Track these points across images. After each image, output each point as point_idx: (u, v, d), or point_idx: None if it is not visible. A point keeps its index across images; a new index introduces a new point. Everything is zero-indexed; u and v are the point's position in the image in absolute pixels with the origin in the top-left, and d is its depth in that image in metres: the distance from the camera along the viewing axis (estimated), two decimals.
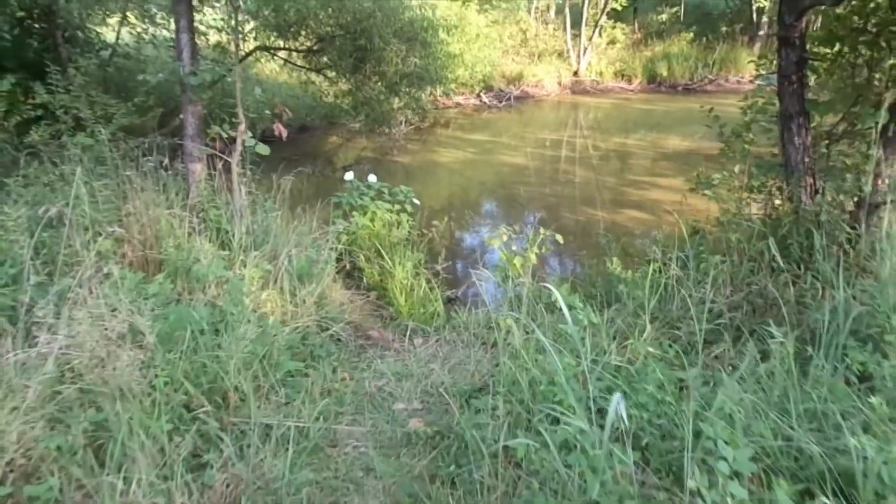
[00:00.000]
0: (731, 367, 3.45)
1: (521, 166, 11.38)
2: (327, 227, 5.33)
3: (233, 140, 4.57)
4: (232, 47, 9.80)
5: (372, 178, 6.14)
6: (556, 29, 20.45)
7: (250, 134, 4.63)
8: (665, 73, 18.90)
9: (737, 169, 4.47)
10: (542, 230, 4.55)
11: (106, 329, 2.77)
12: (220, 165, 4.81)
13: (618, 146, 13.03)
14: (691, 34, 19.83)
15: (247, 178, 4.78)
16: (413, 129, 13.01)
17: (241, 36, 9.74)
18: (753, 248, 4.18)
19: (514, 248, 4.62)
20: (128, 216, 4.06)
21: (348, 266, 5.24)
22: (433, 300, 4.67)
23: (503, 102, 17.27)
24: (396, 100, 10.95)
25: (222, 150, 4.79)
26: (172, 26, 7.28)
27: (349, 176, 5.98)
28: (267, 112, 5.03)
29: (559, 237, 4.55)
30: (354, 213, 5.74)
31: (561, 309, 3.99)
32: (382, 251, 5.27)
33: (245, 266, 3.88)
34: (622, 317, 4.18)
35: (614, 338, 3.67)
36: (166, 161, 4.83)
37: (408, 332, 4.34)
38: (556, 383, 2.73)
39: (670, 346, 3.50)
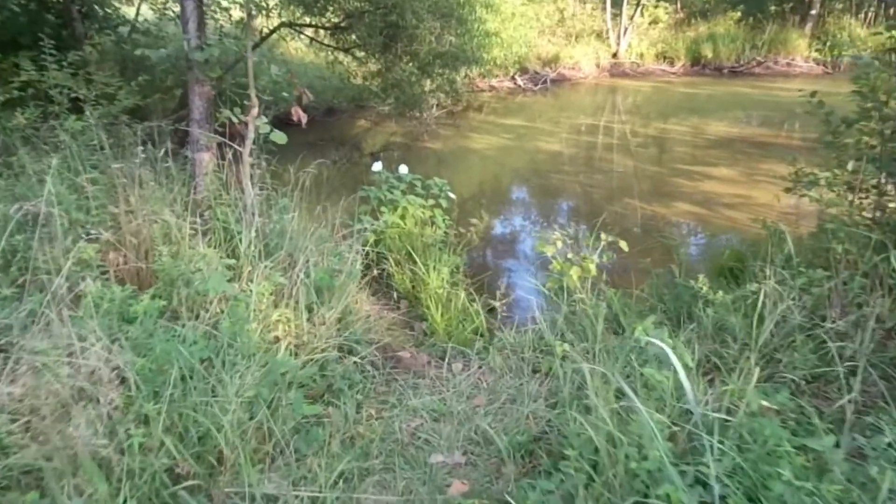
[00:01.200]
0: (856, 416, 2.76)
1: (558, 153, 10.63)
2: (353, 226, 4.71)
3: (245, 126, 3.94)
4: (254, 22, 9.21)
5: (403, 168, 5.48)
6: (595, 8, 19.47)
7: (265, 119, 3.99)
8: (710, 55, 17.87)
9: (850, 166, 3.70)
10: (602, 236, 3.85)
11: (70, 370, 2.16)
12: (231, 155, 4.17)
13: (661, 132, 12.18)
14: (738, 13, 18.72)
15: (261, 170, 4.15)
16: (445, 113, 12.29)
17: (265, 11, 9.12)
18: (866, 260, 3.44)
19: (568, 254, 3.93)
20: (120, 216, 3.46)
21: (376, 272, 4.60)
22: (474, 315, 4.01)
23: (539, 86, 16.45)
24: (429, 82, 10.24)
25: (235, 136, 4.16)
26: None
27: (377, 166, 5.33)
28: (285, 94, 4.37)
29: (623, 243, 3.85)
30: (383, 209, 5.09)
31: (622, 328, 3.32)
32: (414, 254, 4.62)
33: (254, 279, 3.25)
34: (704, 343, 3.49)
35: (705, 374, 2.99)
36: (168, 149, 4.23)
37: (446, 356, 3.70)
38: (649, 458, 2.06)
39: (776, 390, 2.80)
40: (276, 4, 9.31)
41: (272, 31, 8.83)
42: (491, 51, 12.21)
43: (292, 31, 9.82)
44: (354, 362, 3.30)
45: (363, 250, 4.44)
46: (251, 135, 3.93)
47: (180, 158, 4.38)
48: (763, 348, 3.33)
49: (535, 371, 3.51)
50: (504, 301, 4.19)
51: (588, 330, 3.76)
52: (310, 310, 3.37)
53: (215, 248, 3.56)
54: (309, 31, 9.94)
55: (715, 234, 6.63)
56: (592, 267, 3.77)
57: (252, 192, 3.91)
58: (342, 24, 9.17)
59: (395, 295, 4.55)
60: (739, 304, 3.28)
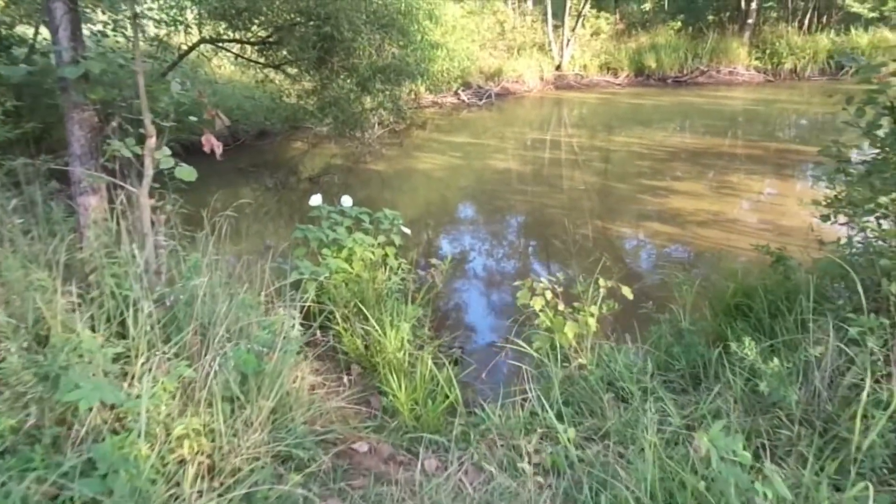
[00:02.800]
0: None
1: (513, 171, 9.96)
2: (288, 277, 3.85)
3: (140, 160, 3.05)
4: (171, 38, 8.22)
5: (346, 200, 4.63)
6: (535, 20, 19.06)
7: (168, 151, 3.10)
8: (653, 66, 17.65)
9: None
10: (601, 281, 3.10)
11: None
12: (125, 197, 3.25)
13: (616, 145, 11.69)
14: (678, 23, 18.63)
15: (166, 215, 3.26)
16: (388, 132, 11.50)
17: (183, 27, 8.16)
18: None
19: (559, 305, 3.17)
20: None
21: (319, 334, 3.74)
22: (445, 386, 3.18)
23: (483, 100, 15.85)
24: (369, 98, 9.43)
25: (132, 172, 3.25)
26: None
27: (316, 200, 4.47)
28: (193, 118, 3.49)
29: (626, 290, 3.10)
30: (325, 251, 4.24)
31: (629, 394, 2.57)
32: (365, 308, 3.79)
33: (152, 370, 2.36)
34: (741, 413, 2.77)
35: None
36: (50, 191, 3.29)
37: (415, 448, 2.87)
38: None
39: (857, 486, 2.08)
40: (194, 18, 8.37)
41: (191, 49, 7.87)
42: (436, 63, 11.50)
43: (215, 47, 8.86)
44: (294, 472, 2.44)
45: (302, 305, 3.57)
46: (149, 171, 3.04)
47: (61, 203, 3.44)
48: (824, 422, 2.63)
49: (534, 465, 2.71)
50: (476, 367, 3.39)
51: (590, 401, 3.00)
52: (231, 408, 2.49)
53: (99, 327, 2.65)
54: (234, 48, 9.00)
55: (698, 259, 6.01)
56: (592, 322, 3.01)
57: (152, 245, 3.01)
58: (271, 39, 8.28)
59: (343, 361, 3.70)
60: (791, 369, 2.57)
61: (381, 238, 4.52)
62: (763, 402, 2.92)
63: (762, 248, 4.53)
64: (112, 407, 2.25)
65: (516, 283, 3.25)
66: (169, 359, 2.49)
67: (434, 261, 4.17)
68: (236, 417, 2.48)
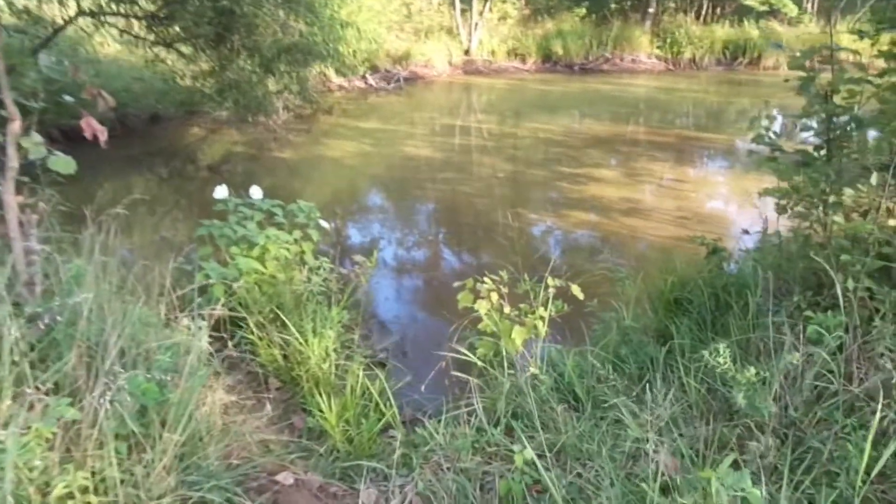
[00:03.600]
0: None
1: (427, 159, 9.63)
2: (194, 280, 3.39)
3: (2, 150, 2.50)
4: (44, 11, 7.32)
5: (256, 192, 4.16)
6: (442, 3, 18.74)
7: (39, 138, 2.56)
8: (560, 52, 17.75)
9: (873, 179, 2.93)
10: (550, 280, 2.84)
11: None
12: None
13: (530, 132, 11.58)
14: (583, 10, 18.81)
15: (39, 214, 2.72)
16: (294, 117, 10.88)
17: None
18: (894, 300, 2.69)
19: (505, 307, 2.88)
20: None
21: (230, 346, 3.29)
22: (380, 402, 2.83)
23: (391, 85, 15.41)
24: (273, 81, 8.83)
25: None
26: None
27: (221, 192, 3.98)
28: (69, 98, 2.94)
29: (576, 289, 2.85)
30: (234, 250, 3.77)
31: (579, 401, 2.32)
32: (282, 314, 3.37)
33: (20, 416, 1.87)
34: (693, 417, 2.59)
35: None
36: None
37: (351, 477, 2.51)
38: None
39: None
40: None
41: (67, 23, 7.03)
42: (346, 44, 10.97)
43: (97, 22, 7.99)
44: None
45: (209, 314, 3.11)
46: (13, 162, 2.49)
47: None
48: (787, 427, 2.47)
49: (485, 490, 2.42)
50: (412, 378, 3.07)
51: (541, 412, 2.74)
52: (129, 451, 2.05)
53: None
54: (119, 23, 8.16)
55: (628, 250, 5.91)
56: (541, 325, 2.74)
57: (21, 251, 2.48)
58: (160, 13, 7.54)
59: (261, 374, 3.27)
60: (761, 373, 2.39)
61: (297, 234, 4.09)
62: (720, 406, 2.76)
63: (696, 240, 4.44)
64: None
65: (456, 283, 2.93)
66: (45, 395, 2.01)
67: (358, 257, 3.79)
68: (135, 462, 2.04)
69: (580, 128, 11.91)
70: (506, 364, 2.75)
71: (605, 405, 2.85)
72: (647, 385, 3.03)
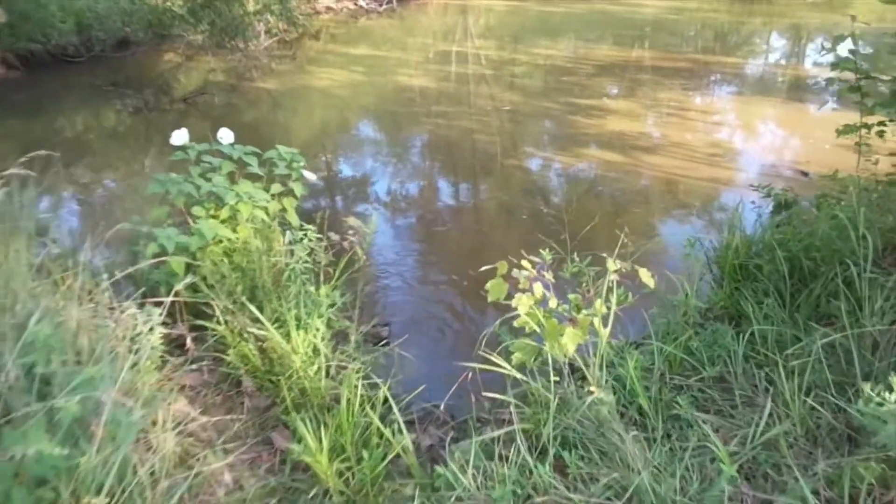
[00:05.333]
0: None
1: (425, 90, 8.73)
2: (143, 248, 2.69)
3: None
4: None
5: (225, 135, 3.35)
6: None
7: None
8: None
9: None
10: (611, 262, 2.12)
11: None
12: None
13: (536, 59, 10.62)
14: None
15: None
16: (277, 43, 9.87)
17: None
18: None
19: (550, 300, 2.16)
20: None
21: (188, 339, 2.59)
22: (387, 431, 2.14)
23: (383, 6, 14.25)
24: (252, 0, 7.83)
25: None
26: None
27: (180, 137, 3.17)
28: None
29: (646, 275, 2.13)
30: (196, 211, 3.02)
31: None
32: (257, 298, 2.66)
33: None
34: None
35: None
36: None
37: None
38: None
39: None
40: None
41: None
42: None
43: None
44: None
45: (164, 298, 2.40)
46: None
47: None
48: None
49: None
50: (426, 388, 2.38)
51: (600, 439, 2.07)
52: None
53: None
54: None
55: (659, 198, 5.15)
56: (600, 325, 2.04)
57: None
58: None
59: (230, 378, 2.58)
60: None
61: (277, 188, 3.33)
62: (834, 427, 2.10)
63: (763, 190, 3.71)
64: None
65: (483, 267, 2.20)
66: None
67: (352, 220, 3.04)
68: None
69: (588, 53, 10.94)
70: (552, 375, 2.06)
71: (680, 421, 2.19)
72: (726, 390, 2.38)
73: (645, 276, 2.09)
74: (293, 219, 3.33)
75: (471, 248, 4.45)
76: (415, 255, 4.40)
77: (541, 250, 2.21)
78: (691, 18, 14.37)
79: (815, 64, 10.00)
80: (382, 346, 3.08)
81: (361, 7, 13.86)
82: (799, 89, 8.82)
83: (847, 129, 3.40)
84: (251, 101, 8.25)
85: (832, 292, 2.73)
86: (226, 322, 2.59)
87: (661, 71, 9.40)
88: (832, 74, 3.34)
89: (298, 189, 3.38)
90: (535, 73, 9.75)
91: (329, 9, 13.43)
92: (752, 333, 2.55)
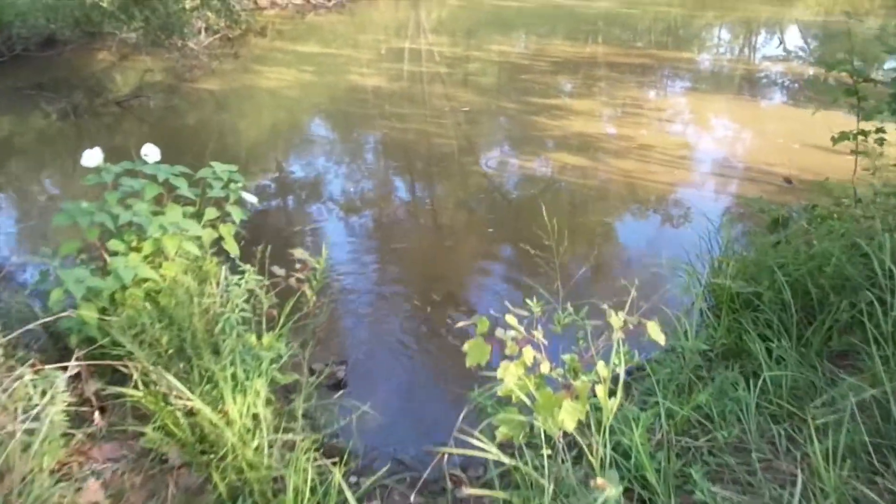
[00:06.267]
0: None
1: (378, 90, 8.28)
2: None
3: None
4: None
5: (150, 152, 2.87)
6: None
7: None
8: None
9: None
10: (614, 318, 1.75)
11: None
12: None
13: (492, 56, 10.26)
14: None
15: None
16: (219, 40, 9.28)
17: None
18: None
19: (542, 363, 1.78)
20: None
21: (96, 413, 2.14)
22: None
23: (332, 1, 13.67)
24: None
25: None
26: None
27: (93, 157, 2.69)
28: None
29: (655, 330, 1.78)
30: (114, 244, 2.56)
31: None
32: (189, 346, 2.22)
33: None
34: None
35: None
36: None
37: None
38: None
39: None
40: None
41: None
42: None
43: None
44: None
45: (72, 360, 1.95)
46: None
47: None
48: None
49: None
50: (389, 469, 1.98)
51: None
52: None
53: None
54: None
55: (633, 209, 4.85)
56: (605, 397, 1.67)
57: None
58: None
59: (154, 452, 2.13)
60: None
61: (212, 213, 2.88)
62: None
63: (754, 204, 3.40)
64: None
65: (460, 323, 1.81)
66: None
67: (299, 252, 2.61)
68: None
69: (544, 49, 10.62)
70: (546, 457, 1.69)
71: (693, 497, 1.85)
72: (747, 453, 2.05)
73: (654, 331, 1.73)
74: (232, 248, 2.89)
75: (434, 267, 4.06)
76: (372, 276, 3.99)
77: (527, 300, 1.83)
78: (645, 13, 14.22)
79: (766, 58, 9.92)
80: (338, 392, 2.67)
81: (309, 2, 13.28)
82: (756, 85, 8.68)
83: (843, 137, 3.13)
84: (192, 104, 7.69)
85: (846, 325, 2.44)
86: (146, 385, 2.14)
87: (619, 67, 9.15)
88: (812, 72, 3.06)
89: (237, 214, 2.93)
90: (491, 71, 9.40)
91: (274, 3, 12.82)
92: (758, 375, 2.23)
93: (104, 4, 7.15)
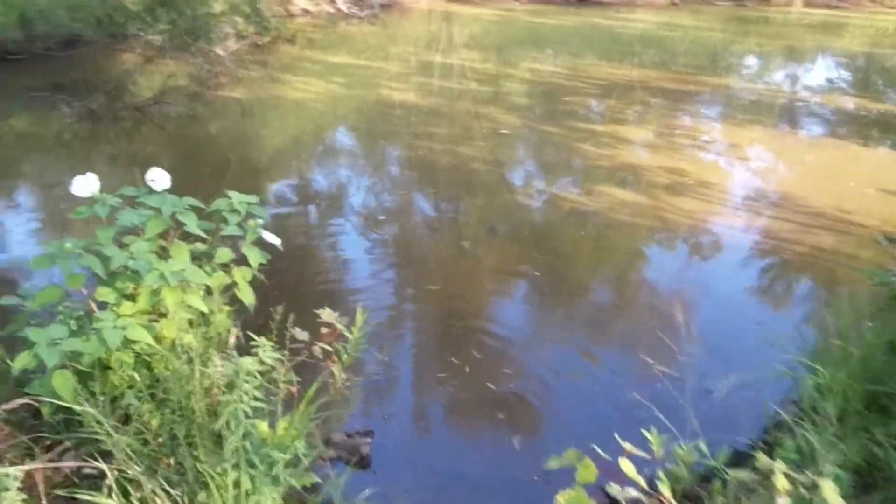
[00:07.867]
0: None
1: (412, 107, 7.81)
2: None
3: None
4: None
5: (157, 177, 2.39)
6: None
7: None
8: None
9: None
10: (780, 475, 1.22)
11: None
12: None
13: (533, 76, 9.79)
14: None
15: None
16: (248, 47, 8.88)
17: None
18: None
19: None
20: None
21: None
22: None
23: (364, 12, 13.31)
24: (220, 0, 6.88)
25: None
26: None
27: (84, 186, 2.22)
28: None
29: (830, 491, 1.24)
30: (103, 294, 2.08)
31: None
32: (184, 439, 1.73)
33: None
34: None
35: None
36: None
37: None
38: None
39: None
40: None
41: None
42: None
43: None
44: None
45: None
46: None
47: None
48: None
49: None
50: None
51: None
52: None
53: None
54: None
55: (698, 263, 4.33)
56: None
57: None
58: None
59: None
60: None
61: (225, 255, 2.41)
62: None
63: (871, 276, 2.86)
64: None
65: (550, 461, 1.30)
66: None
67: (327, 313, 2.11)
68: None
69: (585, 70, 10.13)
70: None
71: None
72: None
73: (831, 495, 1.21)
74: (247, 297, 2.41)
75: (473, 314, 3.55)
76: (402, 322, 3.49)
77: (644, 431, 1.32)
78: (685, 35, 13.71)
79: (814, 90, 9.34)
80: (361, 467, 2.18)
81: (341, 11, 12.91)
82: (813, 120, 8.09)
83: None
84: (214, 112, 7.29)
85: None
86: (125, 494, 1.65)
87: (667, 94, 8.61)
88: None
89: (255, 257, 2.45)
90: (532, 92, 8.91)
91: (306, 11, 12.47)
92: None
93: (130, 5, 6.73)
